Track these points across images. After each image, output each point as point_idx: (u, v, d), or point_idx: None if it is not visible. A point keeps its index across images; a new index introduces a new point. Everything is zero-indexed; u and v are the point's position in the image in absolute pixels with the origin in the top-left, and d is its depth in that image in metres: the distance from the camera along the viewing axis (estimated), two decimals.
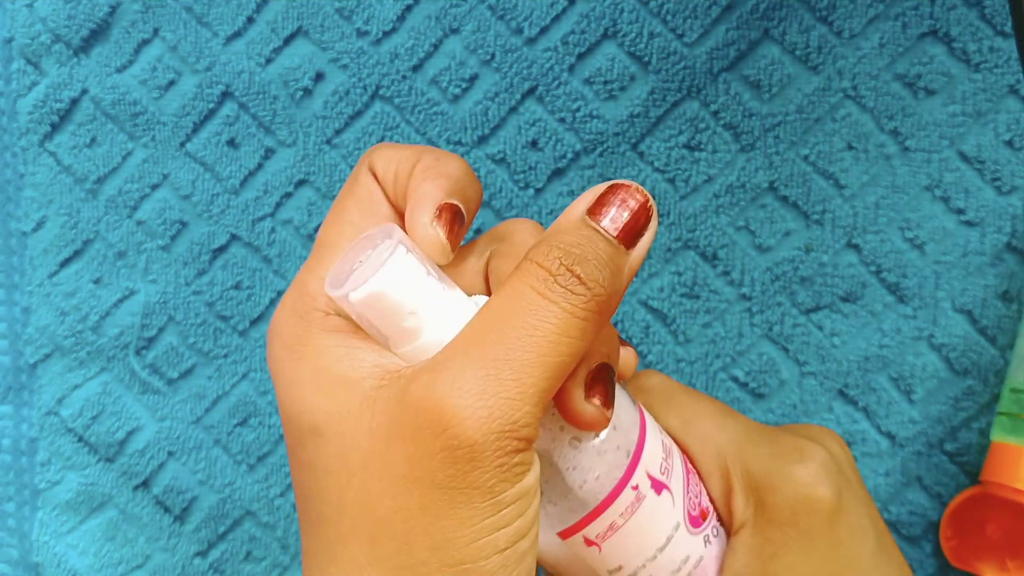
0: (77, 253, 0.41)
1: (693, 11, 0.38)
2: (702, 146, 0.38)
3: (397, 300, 0.23)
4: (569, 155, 0.38)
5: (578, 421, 0.24)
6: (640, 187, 0.24)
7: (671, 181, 0.38)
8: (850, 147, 0.37)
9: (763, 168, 0.37)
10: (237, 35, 0.40)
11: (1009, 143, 0.36)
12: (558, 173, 0.38)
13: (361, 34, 0.39)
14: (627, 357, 0.27)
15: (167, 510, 0.40)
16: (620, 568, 0.25)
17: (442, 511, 0.21)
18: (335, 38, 0.39)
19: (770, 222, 0.38)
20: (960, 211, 0.37)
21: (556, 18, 0.38)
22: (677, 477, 0.26)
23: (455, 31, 0.39)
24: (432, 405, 0.21)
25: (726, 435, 0.28)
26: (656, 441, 0.26)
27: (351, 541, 0.22)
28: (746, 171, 0.38)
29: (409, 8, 0.39)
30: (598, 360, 0.24)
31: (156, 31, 0.40)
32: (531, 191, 0.38)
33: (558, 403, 0.24)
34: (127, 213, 0.40)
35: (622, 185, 0.23)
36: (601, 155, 0.38)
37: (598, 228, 0.23)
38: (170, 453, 0.40)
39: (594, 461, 0.24)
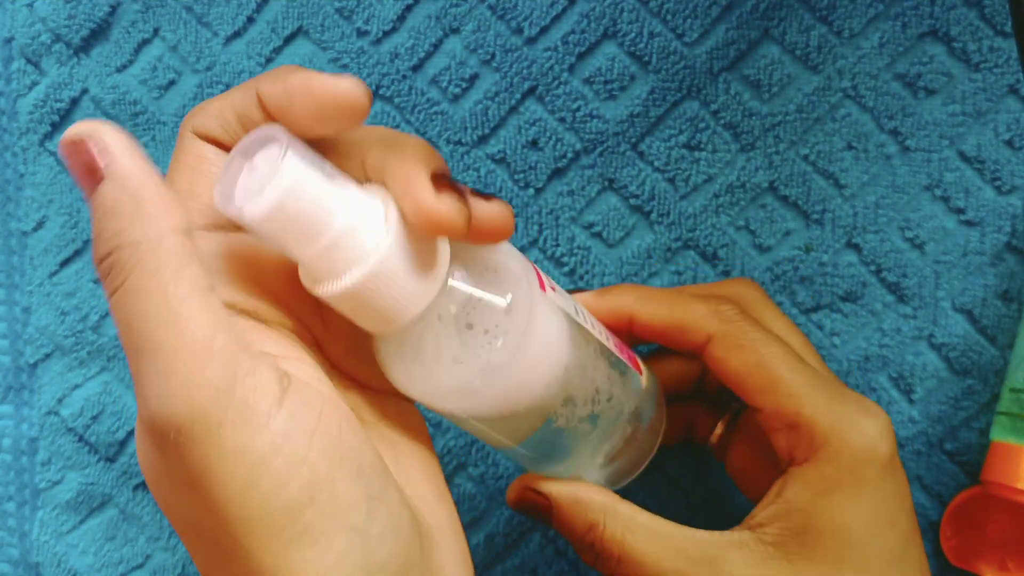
0: (77, 253, 0.41)
1: (693, 11, 0.38)
2: (702, 146, 0.38)
3: (298, 207, 0.22)
4: (569, 155, 0.38)
5: (434, 218, 0.22)
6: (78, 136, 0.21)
7: (671, 181, 0.38)
8: (850, 147, 0.37)
9: (763, 168, 0.37)
10: (237, 35, 0.40)
11: (1009, 143, 0.36)
12: (558, 173, 0.38)
13: (361, 34, 0.39)
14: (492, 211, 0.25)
15: None
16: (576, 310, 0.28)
17: None
18: (335, 38, 0.39)
19: (770, 222, 0.38)
20: (960, 211, 0.37)
21: (556, 18, 0.38)
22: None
23: (455, 31, 0.39)
24: None
25: (800, 378, 0.29)
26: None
27: None
28: (746, 171, 0.38)
29: (409, 8, 0.39)
30: (429, 169, 0.23)
31: (156, 31, 0.40)
32: (531, 191, 0.38)
33: (411, 211, 0.23)
34: None
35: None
36: (601, 155, 0.38)
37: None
38: None
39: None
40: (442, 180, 0.23)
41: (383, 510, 0.22)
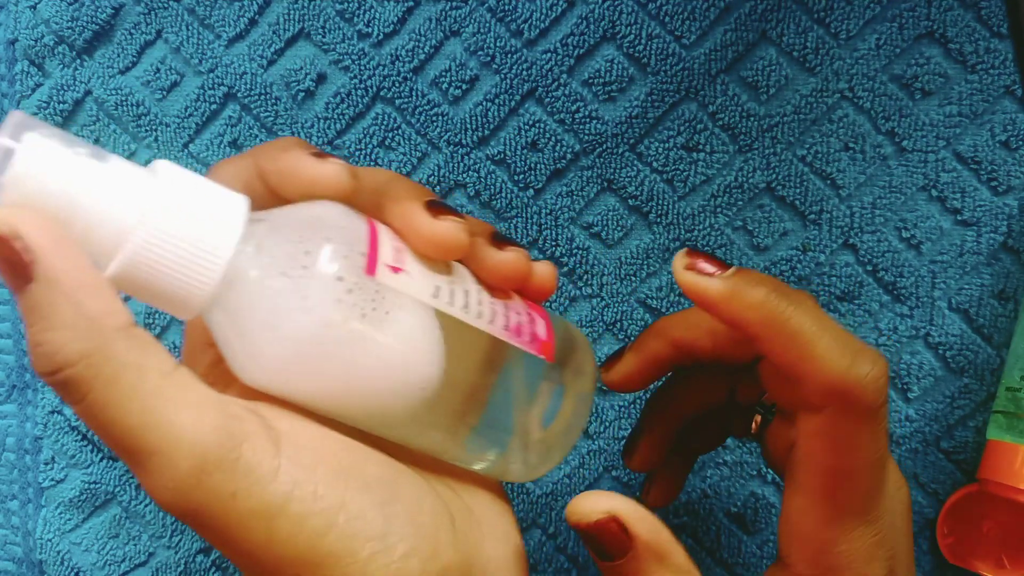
0: None
1: (691, 13, 0.38)
2: (700, 147, 0.38)
3: (37, 186, 0.20)
4: (568, 156, 0.39)
5: (436, 241, 0.24)
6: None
7: (669, 182, 0.38)
8: (847, 148, 0.37)
9: (760, 168, 0.38)
10: (239, 37, 0.40)
11: (1005, 143, 0.37)
12: (557, 174, 0.39)
13: (362, 36, 0.39)
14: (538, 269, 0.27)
15: None
16: (437, 289, 0.25)
17: None
18: (336, 40, 0.39)
19: (767, 222, 0.38)
20: (956, 211, 0.37)
21: (555, 20, 0.38)
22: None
23: (455, 33, 0.39)
24: None
25: (807, 319, 0.27)
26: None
27: None
28: (744, 172, 0.38)
29: (410, 10, 0.39)
30: (423, 200, 0.25)
31: (159, 33, 0.40)
32: (531, 192, 0.39)
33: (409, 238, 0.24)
34: None
35: None
36: (600, 156, 0.38)
37: None
38: None
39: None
40: (437, 206, 0.24)
41: (399, 510, 0.23)
